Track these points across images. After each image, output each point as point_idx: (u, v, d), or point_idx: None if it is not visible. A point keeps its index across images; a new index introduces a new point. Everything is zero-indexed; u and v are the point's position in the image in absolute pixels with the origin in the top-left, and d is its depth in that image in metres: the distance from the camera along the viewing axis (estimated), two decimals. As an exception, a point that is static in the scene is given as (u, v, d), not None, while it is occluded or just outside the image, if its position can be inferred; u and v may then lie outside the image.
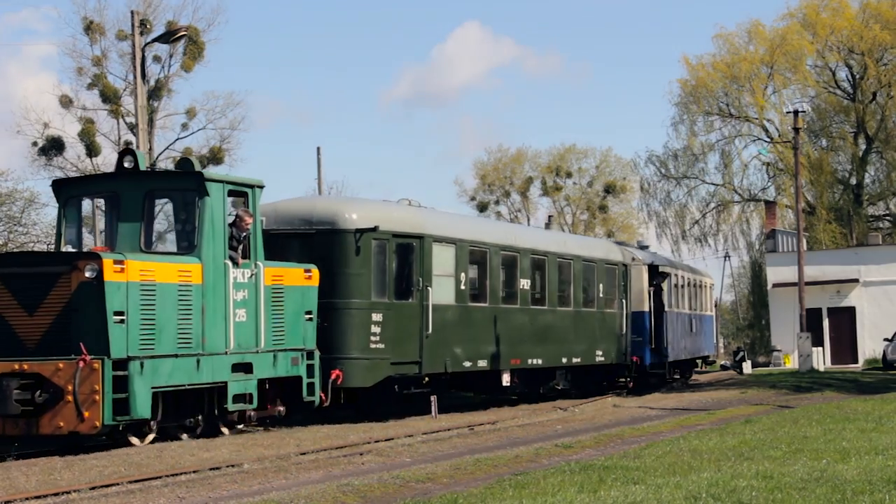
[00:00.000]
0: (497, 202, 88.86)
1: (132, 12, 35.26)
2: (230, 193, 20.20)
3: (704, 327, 47.08)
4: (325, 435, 20.85)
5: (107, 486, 14.40)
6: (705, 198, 73.32)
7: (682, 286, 42.66)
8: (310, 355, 21.77)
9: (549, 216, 32.46)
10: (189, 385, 19.00)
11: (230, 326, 19.66)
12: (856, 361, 56.38)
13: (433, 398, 25.87)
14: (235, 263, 19.72)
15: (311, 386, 21.79)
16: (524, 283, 28.96)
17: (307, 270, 21.89)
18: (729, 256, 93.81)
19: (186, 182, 19.71)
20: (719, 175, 72.73)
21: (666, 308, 38.24)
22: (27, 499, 13.50)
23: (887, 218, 72.57)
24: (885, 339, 52.33)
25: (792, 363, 53.66)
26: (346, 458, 17.42)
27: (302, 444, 19.15)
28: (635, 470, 14.10)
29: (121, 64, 49.67)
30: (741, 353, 54.68)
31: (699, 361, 48.58)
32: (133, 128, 44.69)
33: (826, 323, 57.64)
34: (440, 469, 15.63)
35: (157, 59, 49.74)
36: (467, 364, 26.33)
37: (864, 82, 66.97)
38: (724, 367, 57.69)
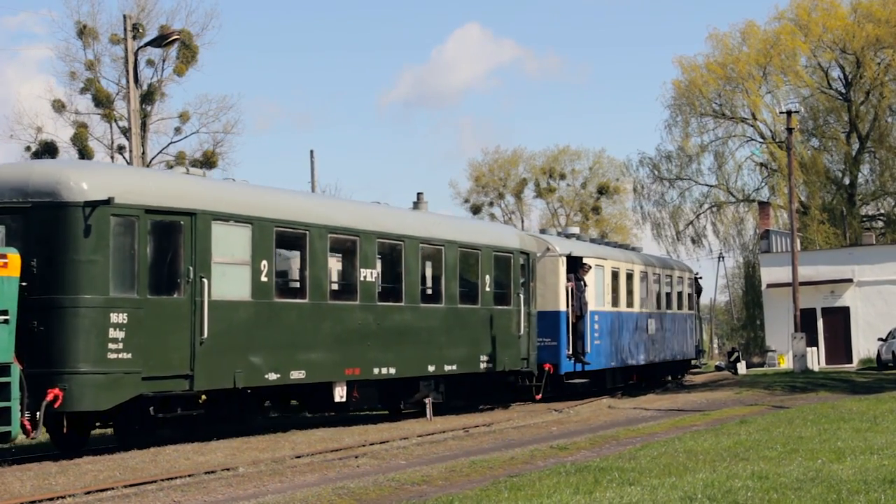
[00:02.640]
0: (491, 204, 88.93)
1: (124, 16, 35.18)
2: None
3: (675, 328, 41.97)
4: (320, 438, 20.86)
5: (102, 490, 14.40)
6: (699, 199, 73.46)
7: (635, 280, 37.36)
8: (3, 371, 16.40)
9: (418, 194, 28.38)
10: None
11: None
12: (850, 361, 56.43)
13: (428, 400, 25.76)
14: None
15: (5, 412, 16.29)
16: (367, 274, 23.33)
17: (0, 256, 16.80)
18: (723, 257, 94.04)
19: None
20: (713, 176, 72.87)
21: (593, 306, 32.73)
22: (22, 504, 13.49)
23: (880, 218, 72.65)
24: (880, 339, 52.39)
25: (786, 363, 53.68)
26: (341, 460, 17.42)
27: (297, 448, 19.15)
28: (631, 471, 14.10)
29: (114, 68, 49.60)
30: (736, 354, 54.69)
31: (690, 364, 45.65)
32: (126, 132, 44.60)
33: (820, 323, 57.69)
34: (435, 471, 15.63)
35: (150, 63, 49.67)
36: (273, 376, 20.79)
37: (858, 81, 67.07)
38: (718, 368, 57.70)
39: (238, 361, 20.05)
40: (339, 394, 22.80)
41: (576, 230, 37.63)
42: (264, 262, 20.67)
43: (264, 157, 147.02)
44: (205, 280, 19.28)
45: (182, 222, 19.17)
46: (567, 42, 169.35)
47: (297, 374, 21.47)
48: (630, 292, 36.99)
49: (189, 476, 15.62)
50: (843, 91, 68.95)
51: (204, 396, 19.89)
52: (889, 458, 14.37)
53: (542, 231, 35.16)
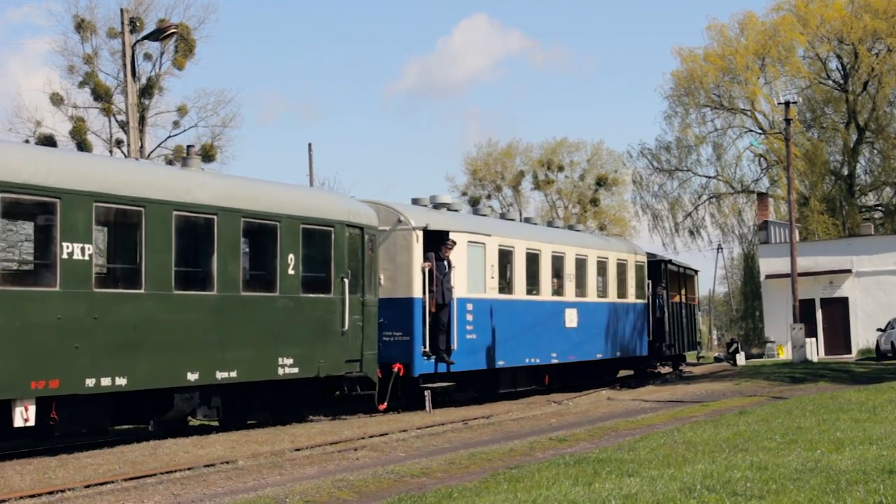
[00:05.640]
0: (489, 197, 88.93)
1: (122, 10, 35.14)
2: None
3: (615, 320, 35.64)
4: (320, 431, 20.88)
5: (101, 483, 14.40)
6: (698, 190, 73.55)
7: (543, 262, 31.03)
8: None
9: (188, 147, 23.24)
10: None
11: None
12: (849, 352, 56.50)
13: (427, 393, 25.67)
14: None
15: None
16: (75, 250, 16.97)
17: None
18: (722, 248, 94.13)
19: None
20: (712, 167, 72.97)
21: (464, 292, 26.88)
22: (22, 497, 13.48)
23: (879, 208, 72.68)
24: (879, 330, 52.42)
25: (785, 354, 53.74)
26: (340, 453, 17.43)
27: (296, 441, 19.15)
28: (630, 462, 14.10)
29: (112, 62, 49.63)
30: (735, 345, 54.74)
31: (646, 363, 39.76)
32: (124, 126, 44.61)
33: (819, 314, 57.76)
34: (435, 463, 15.64)
35: (148, 57, 49.71)
36: None
37: (856, 72, 67.08)
38: (717, 359, 57.76)
39: None
40: (23, 415, 16.52)
41: (448, 199, 29.30)
42: None
43: (268, 150, 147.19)
44: None
45: None
46: (574, 33, 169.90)
47: None
48: (534, 276, 30.74)
49: (188, 469, 15.63)
50: (841, 82, 68.96)
51: None
52: (888, 448, 14.38)
53: (415, 202, 28.23)
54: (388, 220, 25.59)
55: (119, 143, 49.10)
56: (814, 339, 52.55)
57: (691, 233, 73.37)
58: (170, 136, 52.02)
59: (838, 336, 57.63)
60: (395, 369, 24.84)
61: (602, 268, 35.06)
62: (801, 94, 65.98)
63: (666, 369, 43.85)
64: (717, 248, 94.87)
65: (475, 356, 27.44)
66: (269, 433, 20.30)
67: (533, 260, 30.59)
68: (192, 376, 19.14)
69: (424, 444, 18.90)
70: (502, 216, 33.89)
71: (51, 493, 13.78)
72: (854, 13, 65.72)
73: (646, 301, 38.62)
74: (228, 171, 48.84)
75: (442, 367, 26.12)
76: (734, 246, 78.98)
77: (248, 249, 21.13)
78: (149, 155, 47.85)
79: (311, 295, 22.06)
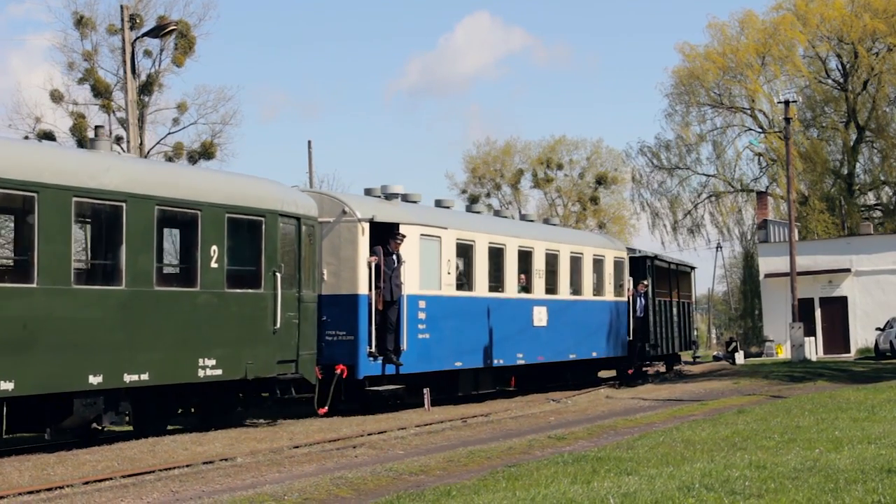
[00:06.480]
0: (488, 195, 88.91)
1: (122, 7, 35.10)
2: None
3: (589, 319, 33.59)
4: (318, 428, 20.88)
5: (100, 480, 14.41)
6: (697, 188, 73.58)
7: (508, 257, 29.23)
8: None
9: (97, 127, 20.40)
10: None
11: None
12: (848, 351, 56.50)
13: (426, 390, 25.64)
14: None
15: None
16: None
17: None
18: (721, 247, 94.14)
19: None
20: (712, 165, 73.00)
21: (415, 289, 25.12)
22: (20, 494, 13.48)
23: (878, 207, 72.67)
24: (877, 329, 52.42)
25: (784, 353, 53.75)
26: (339, 451, 17.44)
27: (295, 438, 19.16)
28: (628, 461, 14.10)
29: (112, 59, 49.60)
30: (734, 344, 54.71)
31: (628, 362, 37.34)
32: (124, 122, 44.59)
33: (818, 313, 57.74)
34: (433, 461, 15.64)
35: (147, 53, 49.67)
36: None
37: (855, 72, 67.08)
38: (716, 358, 57.72)
39: None
40: None
41: (400, 189, 26.70)
42: None
43: (269, 147, 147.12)
44: None
45: None
46: (576, 31, 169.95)
47: None
48: (498, 272, 28.95)
49: (187, 466, 15.63)
50: (841, 81, 68.95)
51: None
52: (887, 448, 14.38)
53: (367, 192, 26.31)
54: (331, 211, 23.77)
55: (119, 139, 49.07)
56: (813, 338, 52.58)
57: (691, 231, 73.45)
58: (169, 133, 52.04)
59: (837, 335, 57.63)
60: (338, 371, 23.11)
61: (576, 264, 33.11)
62: (801, 93, 66.00)
63: (655, 369, 43.06)
64: (717, 247, 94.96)
65: (428, 357, 25.65)
66: (267, 431, 20.31)
67: (497, 255, 28.82)
68: (94, 379, 17.18)
69: (423, 441, 18.91)
70: (468, 209, 32.24)
71: (49, 489, 13.78)
72: (854, 13, 65.72)
73: (626, 299, 36.53)
74: (229, 169, 48.88)
75: (391, 369, 24.45)
76: (734, 244, 79.00)
77: (163, 240, 19.42)
78: (148, 152, 47.84)
79: (238, 290, 20.20)
